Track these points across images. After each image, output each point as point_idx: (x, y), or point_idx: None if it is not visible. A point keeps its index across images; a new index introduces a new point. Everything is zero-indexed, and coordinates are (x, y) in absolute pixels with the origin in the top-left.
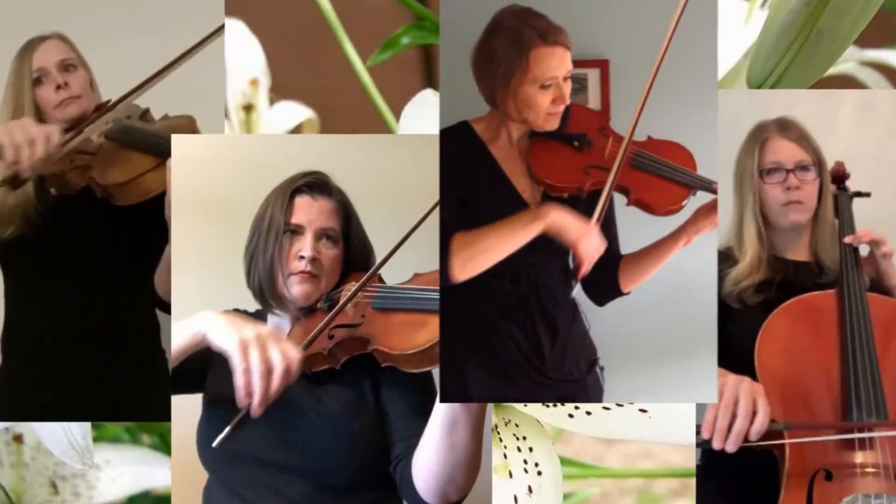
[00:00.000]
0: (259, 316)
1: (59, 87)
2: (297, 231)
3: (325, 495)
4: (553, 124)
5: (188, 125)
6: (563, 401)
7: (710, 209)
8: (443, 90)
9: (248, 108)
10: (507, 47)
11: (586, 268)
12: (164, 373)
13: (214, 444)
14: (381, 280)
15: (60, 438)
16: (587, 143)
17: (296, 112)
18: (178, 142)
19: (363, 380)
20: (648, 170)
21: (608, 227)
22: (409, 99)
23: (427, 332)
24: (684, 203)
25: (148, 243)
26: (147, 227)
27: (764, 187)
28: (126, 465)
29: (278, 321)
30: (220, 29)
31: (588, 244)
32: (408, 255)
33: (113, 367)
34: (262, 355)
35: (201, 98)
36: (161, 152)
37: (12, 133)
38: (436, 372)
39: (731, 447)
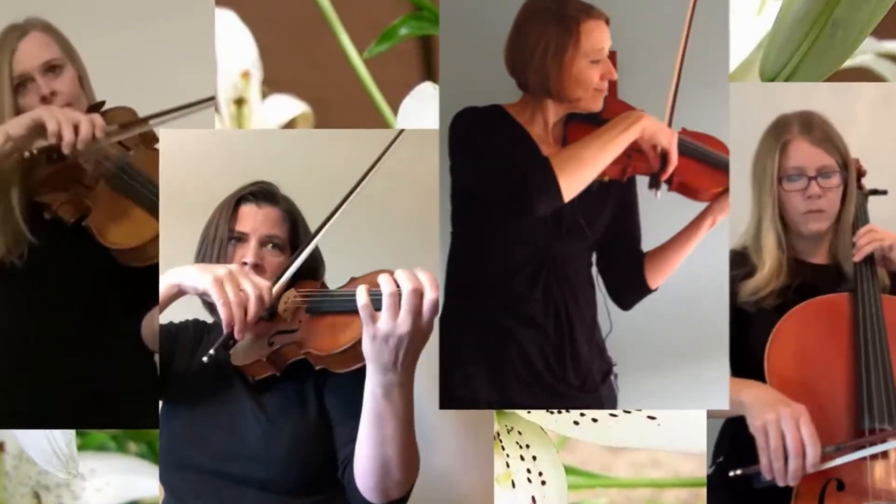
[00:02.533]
0: (217, 325)
1: (44, 99)
2: (241, 238)
3: (270, 500)
4: (598, 103)
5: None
6: (573, 408)
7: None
8: (443, 83)
9: (240, 102)
10: (554, 26)
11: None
12: (152, 378)
13: (204, 358)
14: (324, 286)
15: (44, 447)
16: None
17: (289, 106)
18: (167, 136)
19: (306, 386)
20: (691, 154)
21: (631, 225)
22: (408, 92)
23: (351, 331)
24: (724, 188)
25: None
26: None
27: (784, 193)
28: (112, 475)
29: None
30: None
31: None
32: (348, 259)
33: (99, 372)
34: (235, 287)
35: (191, 91)
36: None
37: (53, 111)
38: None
39: (793, 482)
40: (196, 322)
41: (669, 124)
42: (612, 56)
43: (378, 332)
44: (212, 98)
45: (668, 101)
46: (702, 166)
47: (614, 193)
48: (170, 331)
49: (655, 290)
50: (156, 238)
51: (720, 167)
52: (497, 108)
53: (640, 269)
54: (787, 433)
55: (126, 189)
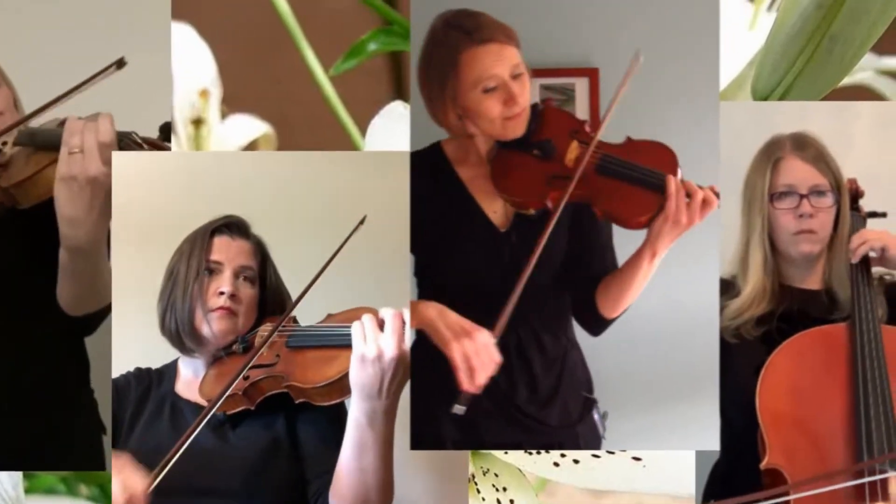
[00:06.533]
0: (167, 370)
1: None
2: (215, 269)
3: None
4: (516, 130)
5: None
6: (547, 448)
7: (669, 216)
8: (414, 102)
9: (198, 123)
10: (438, 55)
11: (465, 380)
12: (98, 417)
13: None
14: (295, 322)
15: None
16: (550, 151)
17: (250, 126)
18: (119, 159)
19: (277, 421)
20: (617, 176)
21: (596, 242)
22: (377, 111)
23: (338, 364)
24: (657, 211)
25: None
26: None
27: (774, 212)
28: None
29: (194, 365)
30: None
31: (466, 346)
32: (320, 297)
33: (44, 411)
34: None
35: (145, 111)
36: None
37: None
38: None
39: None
40: (138, 371)
41: (595, 130)
42: (594, 73)
43: (367, 356)
44: (120, 59)
45: (603, 118)
46: (628, 188)
47: (563, 222)
48: (115, 387)
49: (613, 319)
50: (53, 162)
51: (651, 187)
52: (435, 149)
53: (592, 298)
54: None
55: (33, 142)
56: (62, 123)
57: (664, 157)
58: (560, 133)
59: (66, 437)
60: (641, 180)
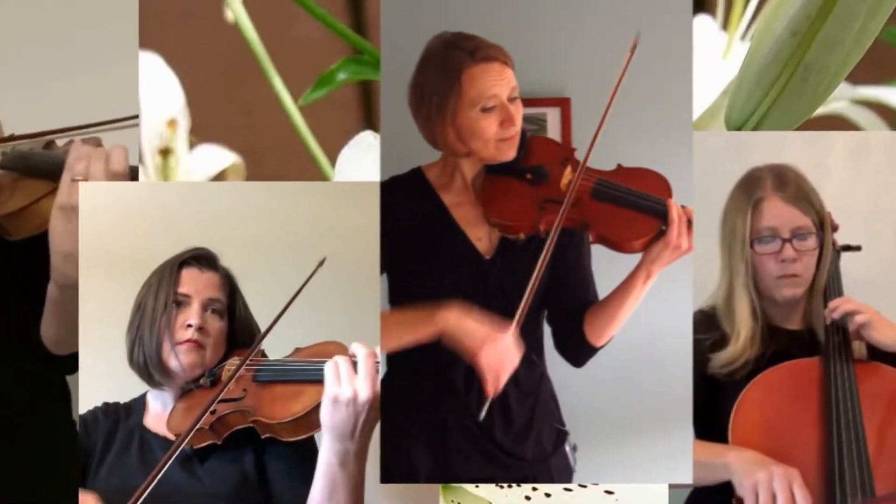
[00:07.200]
0: (135, 404)
1: None
2: (183, 302)
3: None
4: (508, 153)
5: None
6: (521, 481)
7: (671, 241)
8: (384, 132)
9: (166, 153)
10: (437, 75)
11: (491, 385)
12: (72, 456)
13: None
14: (264, 355)
15: None
16: (542, 175)
17: (219, 156)
18: (87, 190)
19: (245, 456)
20: (612, 201)
21: (580, 271)
22: (347, 141)
23: (304, 400)
24: (654, 235)
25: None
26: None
27: (756, 257)
28: None
29: (163, 398)
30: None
31: (492, 354)
32: (288, 330)
33: (25, 446)
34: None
35: (113, 140)
36: (60, 174)
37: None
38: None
39: None
40: (105, 406)
41: (585, 162)
42: (566, 103)
43: (340, 397)
44: (136, 116)
45: (591, 139)
46: (624, 213)
47: (549, 248)
48: (83, 422)
49: (600, 347)
50: (47, 195)
51: (648, 212)
52: (416, 174)
53: (580, 324)
54: (778, 494)
55: (21, 167)
56: (47, 146)
57: (658, 184)
58: (550, 160)
59: (48, 471)
60: (639, 205)
